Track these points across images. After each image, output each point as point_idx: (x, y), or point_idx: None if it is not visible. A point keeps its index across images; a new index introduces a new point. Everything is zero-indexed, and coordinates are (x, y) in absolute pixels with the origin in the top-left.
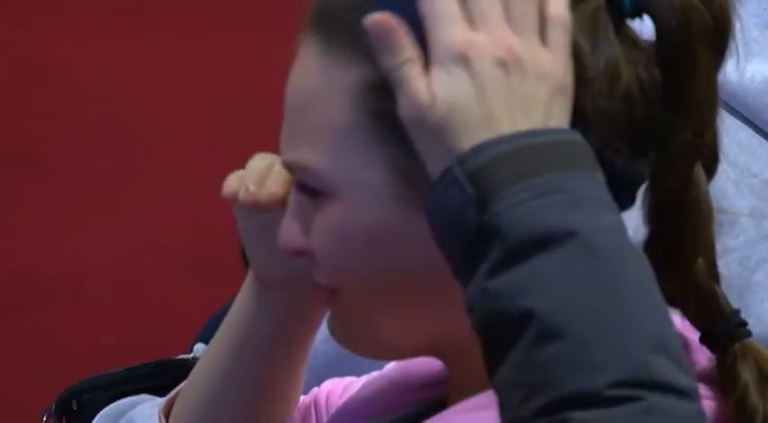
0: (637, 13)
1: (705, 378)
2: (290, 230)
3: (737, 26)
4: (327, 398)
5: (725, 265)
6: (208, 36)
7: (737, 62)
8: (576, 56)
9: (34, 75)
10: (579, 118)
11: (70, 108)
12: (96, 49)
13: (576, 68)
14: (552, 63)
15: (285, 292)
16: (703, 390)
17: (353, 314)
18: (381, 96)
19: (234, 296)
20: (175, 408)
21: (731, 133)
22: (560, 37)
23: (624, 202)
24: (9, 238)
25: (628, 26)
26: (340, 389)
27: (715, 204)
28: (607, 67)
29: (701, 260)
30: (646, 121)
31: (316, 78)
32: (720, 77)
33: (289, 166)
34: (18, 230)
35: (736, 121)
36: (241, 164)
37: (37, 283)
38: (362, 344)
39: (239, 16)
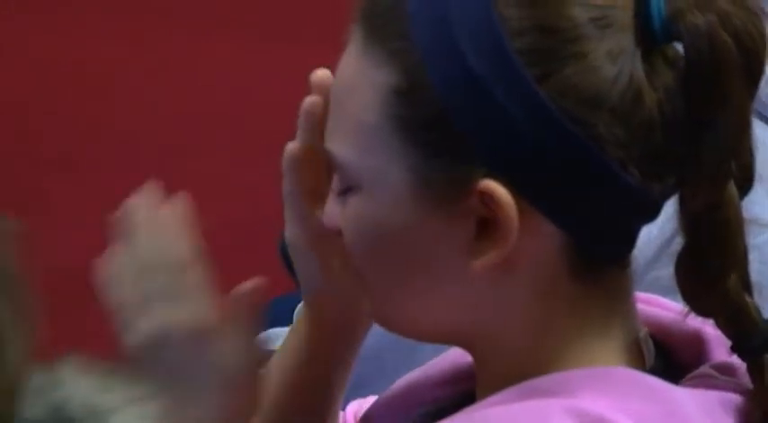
0: (668, 39)
1: (727, 371)
2: (330, 210)
3: None
4: (355, 416)
5: (755, 278)
6: (221, 38)
7: None
8: (598, 82)
9: (61, 76)
10: (596, 142)
11: (90, 109)
12: (123, 52)
13: (597, 94)
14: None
15: (332, 314)
16: (726, 382)
17: (376, 294)
18: (405, 102)
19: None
20: None
21: (755, 134)
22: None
23: (644, 217)
24: (45, 236)
25: (667, 47)
26: (364, 408)
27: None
28: (629, 94)
29: (733, 276)
30: (666, 148)
31: (354, 72)
32: None
33: (328, 153)
34: (52, 228)
35: (758, 122)
36: (258, 165)
37: (78, 280)
38: (389, 322)
39: (256, 21)
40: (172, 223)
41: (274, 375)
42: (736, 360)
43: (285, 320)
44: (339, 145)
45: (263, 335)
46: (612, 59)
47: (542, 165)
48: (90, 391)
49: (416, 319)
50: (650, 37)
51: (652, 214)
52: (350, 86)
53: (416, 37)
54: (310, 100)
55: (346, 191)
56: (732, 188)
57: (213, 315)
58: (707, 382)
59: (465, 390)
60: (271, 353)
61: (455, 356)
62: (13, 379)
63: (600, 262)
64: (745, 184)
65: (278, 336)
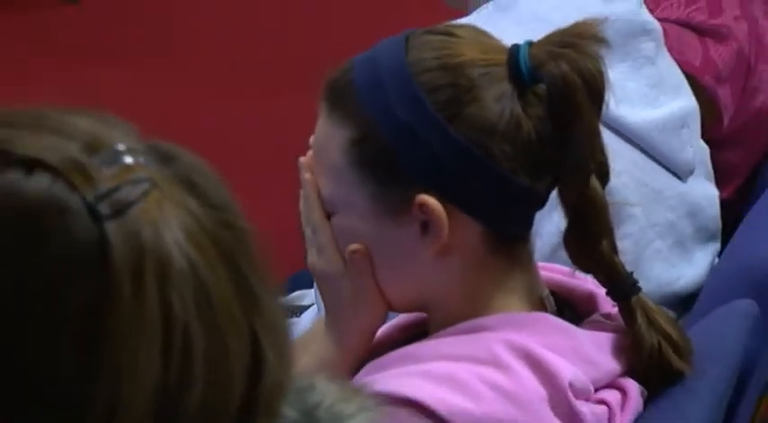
0: (535, 82)
1: (610, 318)
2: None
3: (633, 85)
4: None
5: (625, 245)
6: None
7: (628, 109)
8: (499, 119)
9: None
10: (492, 159)
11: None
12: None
13: (489, 126)
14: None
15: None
16: (610, 325)
17: None
18: (359, 149)
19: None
20: None
21: (631, 157)
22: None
23: (535, 207)
24: None
25: (535, 87)
26: None
27: (617, 200)
28: (512, 123)
29: (605, 242)
30: (542, 157)
31: (324, 132)
32: (624, 120)
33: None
34: None
35: (634, 149)
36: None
37: None
38: None
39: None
40: (310, 183)
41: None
42: (615, 311)
43: (308, 284)
44: (322, 184)
45: (295, 294)
46: (497, 100)
47: (459, 179)
48: (335, 399)
49: (396, 297)
50: (521, 83)
51: (541, 204)
52: (323, 143)
53: (362, 102)
54: (308, 155)
55: (331, 215)
56: (594, 180)
57: (338, 263)
58: (597, 326)
59: (421, 331)
60: (299, 307)
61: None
62: (285, 375)
63: (509, 240)
64: (604, 175)
65: (304, 295)
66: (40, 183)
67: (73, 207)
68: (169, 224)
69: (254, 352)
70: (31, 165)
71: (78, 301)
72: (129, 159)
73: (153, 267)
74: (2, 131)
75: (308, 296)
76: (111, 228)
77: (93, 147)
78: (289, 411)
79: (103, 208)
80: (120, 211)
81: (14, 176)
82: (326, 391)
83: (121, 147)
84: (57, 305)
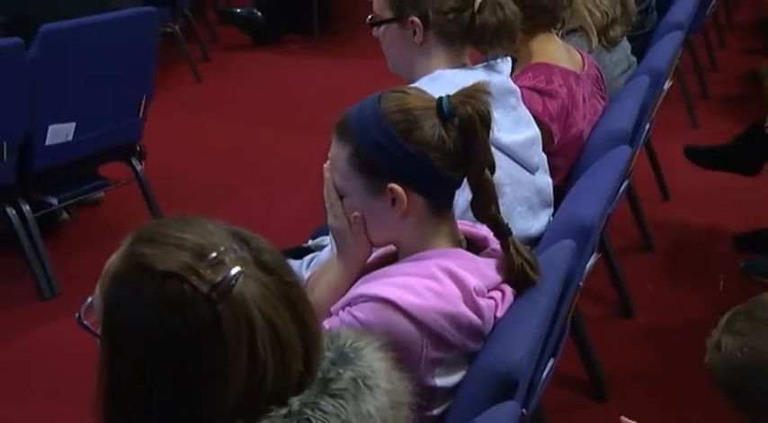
0: (452, 117)
1: (495, 251)
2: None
3: (505, 121)
4: None
5: (503, 209)
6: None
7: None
8: (432, 139)
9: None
10: (430, 161)
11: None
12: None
13: (428, 142)
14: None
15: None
16: (495, 254)
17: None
18: (354, 159)
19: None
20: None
21: (506, 160)
22: (338, 210)
23: (455, 188)
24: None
25: (453, 119)
26: None
27: (498, 183)
28: (439, 141)
29: (493, 206)
30: (457, 160)
31: (335, 151)
32: (501, 140)
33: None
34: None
35: (507, 156)
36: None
37: None
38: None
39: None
40: (329, 179)
41: (323, 292)
42: (498, 247)
43: (325, 233)
44: (335, 178)
45: (319, 239)
46: (432, 128)
47: (412, 174)
48: (353, 339)
49: (377, 240)
50: (444, 118)
51: (458, 186)
52: (334, 156)
53: (354, 131)
54: (328, 163)
55: (342, 196)
56: (487, 172)
57: (345, 223)
58: (489, 255)
59: (389, 261)
60: (322, 246)
61: (388, 249)
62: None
63: (441, 207)
64: (492, 169)
65: (323, 240)
66: (174, 287)
67: (197, 299)
68: (252, 295)
69: (305, 360)
70: (166, 275)
71: (204, 353)
72: (224, 258)
73: (245, 327)
74: (145, 248)
75: (325, 240)
76: (221, 308)
77: (200, 254)
78: (327, 353)
79: (214, 296)
80: (224, 295)
81: (157, 284)
82: (347, 335)
83: (214, 254)
84: (193, 354)
